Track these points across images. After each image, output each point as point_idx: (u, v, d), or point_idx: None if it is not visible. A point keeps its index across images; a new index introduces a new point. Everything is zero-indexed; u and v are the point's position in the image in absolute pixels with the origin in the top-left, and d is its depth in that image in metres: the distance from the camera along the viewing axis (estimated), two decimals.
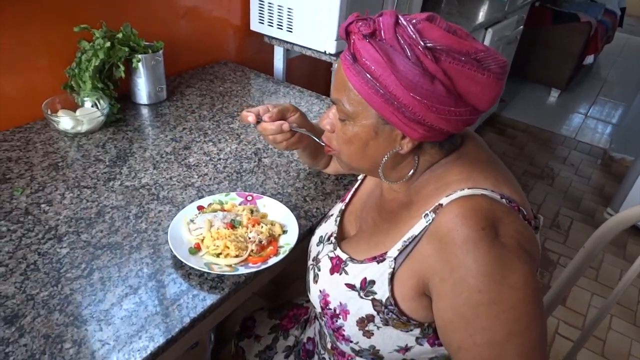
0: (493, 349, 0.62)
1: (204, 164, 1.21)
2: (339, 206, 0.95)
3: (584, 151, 3.55)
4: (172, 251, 0.89)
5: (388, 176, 0.76)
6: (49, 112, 1.26)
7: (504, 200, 0.67)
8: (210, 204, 1.02)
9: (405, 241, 0.71)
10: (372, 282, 0.74)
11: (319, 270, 0.84)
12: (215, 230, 0.93)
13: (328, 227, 0.92)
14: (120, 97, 1.40)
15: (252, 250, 0.91)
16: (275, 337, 1.09)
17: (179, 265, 0.90)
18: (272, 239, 0.95)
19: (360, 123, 0.70)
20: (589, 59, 4.36)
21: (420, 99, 0.63)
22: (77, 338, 0.75)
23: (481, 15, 2.56)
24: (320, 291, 0.82)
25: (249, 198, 1.05)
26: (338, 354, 0.88)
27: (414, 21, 0.64)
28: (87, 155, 1.20)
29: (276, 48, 1.92)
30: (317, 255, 0.88)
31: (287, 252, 0.91)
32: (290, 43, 1.82)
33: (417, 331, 0.73)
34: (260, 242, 0.92)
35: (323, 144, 0.84)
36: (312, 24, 1.70)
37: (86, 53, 1.29)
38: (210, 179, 1.16)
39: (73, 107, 1.32)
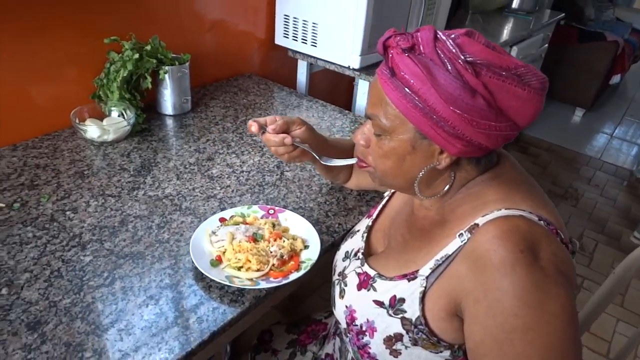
0: None
1: (226, 176, 1.21)
2: (366, 222, 0.94)
3: (610, 172, 3.47)
4: (193, 262, 0.89)
5: (423, 192, 0.75)
6: (77, 121, 1.28)
7: (542, 222, 0.66)
8: (232, 216, 1.02)
9: (438, 260, 0.70)
10: (402, 300, 0.73)
11: (346, 285, 0.83)
12: (237, 243, 0.92)
13: (354, 243, 0.91)
14: (146, 108, 1.42)
15: (273, 265, 0.90)
16: (293, 352, 1.07)
17: (199, 277, 0.90)
18: (294, 253, 0.94)
19: (397, 138, 0.69)
20: (616, 79, 4.29)
21: (461, 113, 0.62)
22: (97, 347, 0.75)
23: (506, 33, 2.54)
24: (346, 306, 0.81)
25: (271, 212, 1.04)
26: None
27: (452, 36, 0.64)
28: (113, 164, 1.21)
29: (300, 62, 1.93)
30: (344, 270, 0.87)
31: (308, 268, 0.90)
32: (314, 57, 1.83)
33: (446, 353, 0.71)
34: (281, 256, 0.91)
35: (318, 158, 0.89)
36: (336, 39, 1.71)
37: (115, 64, 1.31)
38: (232, 190, 1.16)
39: (100, 116, 1.34)
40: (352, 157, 1.08)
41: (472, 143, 0.65)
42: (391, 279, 0.76)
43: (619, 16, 4.74)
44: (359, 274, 0.82)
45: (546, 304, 0.60)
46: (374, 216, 0.93)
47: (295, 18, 1.78)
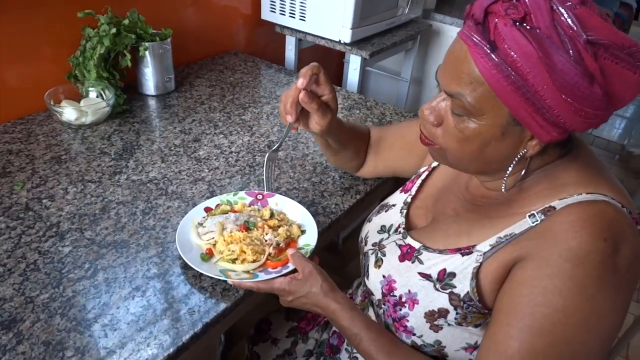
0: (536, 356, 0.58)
1: (214, 157, 1.14)
2: (402, 197, 0.88)
3: (601, 146, 3.45)
4: (182, 258, 0.81)
5: (495, 176, 0.70)
6: (52, 103, 1.19)
7: (625, 209, 0.61)
8: (218, 205, 0.93)
9: (500, 238, 0.65)
10: (452, 275, 0.68)
11: (384, 255, 0.79)
12: (229, 233, 0.84)
13: (391, 218, 0.86)
14: (127, 88, 1.33)
15: (270, 254, 0.82)
16: (294, 340, 1.02)
17: (189, 266, 0.83)
18: (291, 240, 0.87)
19: (485, 121, 0.61)
20: None
21: (572, 102, 0.54)
22: (79, 345, 0.69)
23: None
24: (384, 276, 0.77)
25: (259, 197, 0.96)
26: None
27: (568, 4, 0.54)
28: (92, 148, 1.13)
29: (288, 38, 1.84)
30: (380, 242, 0.83)
31: (308, 254, 0.83)
32: (303, 32, 1.74)
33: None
34: (277, 244, 0.84)
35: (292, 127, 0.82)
36: (326, 13, 1.63)
37: (91, 40, 1.22)
38: (221, 172, 1.09)
39: (77, 97, 1.25)
40: (366, 145, 1.03)
41: (567, 130, 0.58)
42: (441, 251, 0.71)
43: None
44: (400, 246, 0.78)
45: (598, 301, 0.57)
46: (413, 192, 0.87)
47: None
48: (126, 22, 1.24)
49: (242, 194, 0.96)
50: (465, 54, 0.58)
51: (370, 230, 0.88)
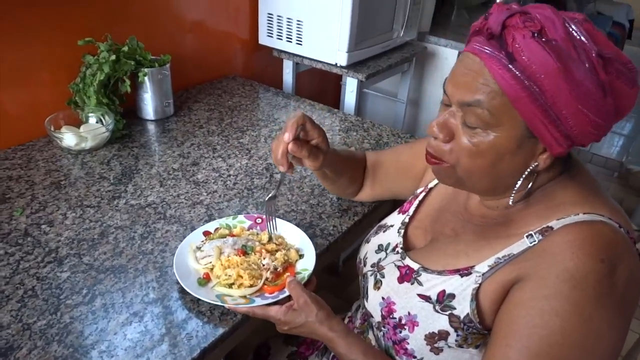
0: None
1: (212, 181, 1.15)
2: (399, 217, 0.89)
3: (600, 164, 3.46)
4: (179, 282, 0.80)
5: (504, 194, 0.69)
6: (52, 129, 1.21)
7: (622, 230, 0.62)
8: (217, 229, 0.93)
9: (499, 258, 0.66)
10: (452, 296, 0.68)
11: (383, 277, 0.79)
12: (226, 257, 0.84)
13: (389, 237, 0.86)
14: (126, 113, 1.35)
15: (267, 279, 0.82)
16: None
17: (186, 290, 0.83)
18: (289, 264, 0.86)
19: (500, 133, 0.61)
20: None
21: (587, 112, 0.56)
22: None
23: None
24: (383, 298, 0.76)
25: (259, 221, 0.96)
26: None
27: (576, 20, 0.56)
28: (91, 173, 1.14)
29: (285, 62, 1.87)
30: (378, 262, 0.83)
31: (305, 279, 0.83)
32: (300, 56, 1.77)
33: None
34: (275, 269, 0.83)
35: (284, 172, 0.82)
36: (322, 37, 1.66)
37: (91, 67, 1.24)
38: (219, 196, 1.09)
39: (77, 123, 1.27)
40: (362, 171, 1.03)
41: (577, 143, 0.60)
42: (440, 272, 0.71)
43: (599, 10, 4.76)
44: (399, 267, 0.78)
45: (596, 321, 0.57)
46: (411, 212, 0.88)
47: (279, 16, 1.73)
48: (125, 48, 1.27)
49: (241, 217, 0.96)
50: (480, 67, 0.59)
51: (369, 251, 0.88)
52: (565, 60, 0.55)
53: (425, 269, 0.74)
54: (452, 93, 0.64)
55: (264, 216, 0.94)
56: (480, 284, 0.66)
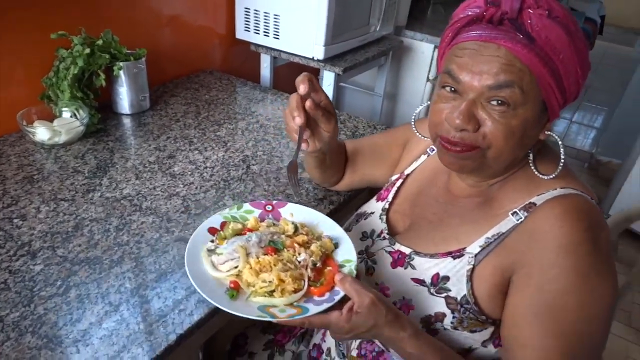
0: (564, 354, 0.62)
1: (189, 173, 1.15)
2: (379, 205, 0.90)
3: (571, 155, 3.55)
4: (208, 300, 0.66)
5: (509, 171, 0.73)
6: (25, 123, 1.19)
7: (593, 201, 0.67)
8: (224, 224, 0.79)
9: (489, 238, 0.69)
10: (446, 279, 0.71)
11: (375, 263, 0.80)
12: (255, 259, 0.70)
13: (371, 224, 0.87)
14: (101, 107, 1.34)
15: (309, 278, 0.70)
16: (271, 353, 1.02)
17: (164, 278, 0.84)
18: (326, 257, 0.75)
19: (526, 110, 0.64)
20: None
21: (583, 77, 0.64)
22: None
23: None
24: (376, 284, 0.78)
25: (269, 208, 0.83)
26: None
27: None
28: (65, 167, 1.13)
29: (263, 56, 1.87)
30: (367, 249, 0.84)
31: (355, 272, 0.71)
32: (278, 50, 1.78)
33: (490, 329, 0.70)
34: (314, 265, 0.71)
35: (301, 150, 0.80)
36: (299, 31, 1.67)
37: (64, 61, 1.23)
38: (196, 187, 1.10)
39: (50, 117, 1.25)
40: (345, 158, 1.03)
41: (564, 107, 0.66)
42: (432, 256, 0.73)
43: (572, 6, 4.87)
44: (390, 252, 0.79)
45: (599, 287, 0.62)
46: (390, 198, 0.90)
47: (256, 10, 1.73)
48: (100, 42, 1.26)
49: (247, 206, 0.84)
50: (502, 52, 0.62)
51: (353, 240, 0.89)
52: (571, 33, 0.61)
53: (418, 253, 0.76)
54: (472, 80, 0.64)
55: (274, 202, 0.86)
56: (474, 266, 0.69)
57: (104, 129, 1.31)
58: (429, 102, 0.76)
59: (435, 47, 2.17)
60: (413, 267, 0.75)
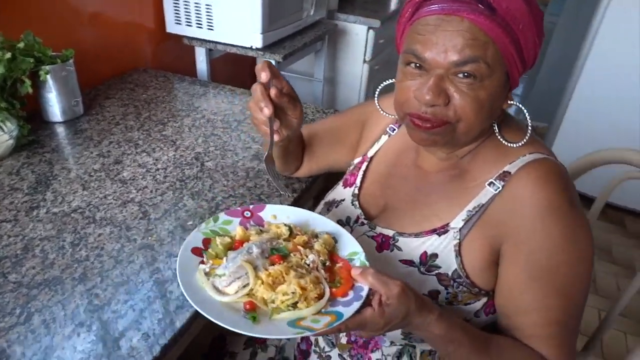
0: (565, 308, 0.66)
1: (140, 177, 1.09)
2: (348, 191, 0.89)
3: None
4: (227, 328, 0.59)
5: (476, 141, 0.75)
6: None
7: (558, 163, 0.70)
8: (206, 241, 0.72)
9: (470, 211, 0.71)
10: (435, 256, 0.71)
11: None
12: (266, 272, 0.64)
13: (345, 212, 0.86)
14: (29, 117, 1.23)
15: (325, 279, 0.66)
16: (253, 351, 1.00)
17: (135, 289, 0.79)
18: (331, 254, 0.71)
19: (493, 82, 0.65)
20: None
21: (539, 44, 0.66)
22: None
23: (393, 3, 2.60)
24: None
25: (247, 214, 0.77)
26: (359, 347, 0.82)
27: None
28: (0, 186, 1.03)
29: (197, 49, 1.80)
30: None
31: (367, 263, 0.68)
32: (213, 42, 1.72)
33: (483, 300, 0.72)
34: (324, 264, 0.68)
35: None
36: (234, 20, 1.62)
37: None
38: (151, 191, 1.04)
39: None
40: (304, 145, 1.01)
41: (522, 74, 0.68)
42: (417, 235, 0.74)
43: None
44: (373, 237, 0.78)
45: (580, 242, 0.66)
46: (358, 183, 0.89)
47: (185, 2, 1.66)
48: (21, 45, 1.15)
49: (223, 216, 0.77)
50: (466, 25, 0.62)
51: None
52: (529, 2, 0.63)
53: (401, 234, 0.76)
54: (438, 57, 0.64)
55: (250, 206, 0.79)
56: (460, 240, 0.70)
57: (37, 140, 1.21)
58: (392, 80, 0.76)
59: (369, 28, 2.20)
60: (399, 249, 0.75)
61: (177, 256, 0.84)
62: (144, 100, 1.46)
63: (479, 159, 0.74)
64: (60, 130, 1.28)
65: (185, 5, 1.66)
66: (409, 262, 0.73)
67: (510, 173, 0.70)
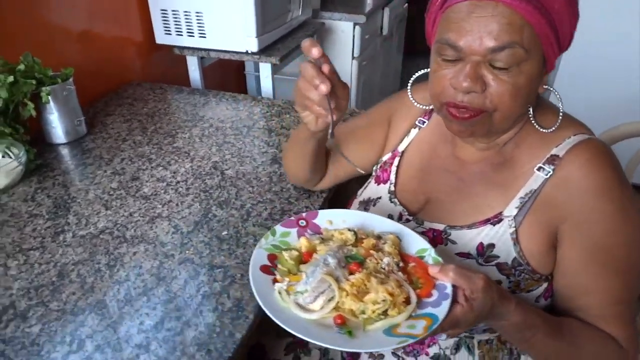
0: (628, 287, 0.67)
1: (162, 191, 1.06)
2: (383, 188, 0.87)
3: None
4: (342, 349, 0.60)
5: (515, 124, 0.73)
6: None
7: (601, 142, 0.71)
8: (273, 257, 0.69)
9: (523, 198, 0.70)
10: (491, 246, 0.71)
11: None
12: (348, 282, 0.61)
13: (384, 209, 0.84)
14: (32, 140, 1.18)
15: (405, 281, 0.64)
16: (295, 356, 0.98)
17: (185, 305, 0.77)
18: (401, 253, 0.70)
19: (531, 65, 0.64)
20: None
21: (574, 24, 0.65)
22: None
23: None
24: None
25: (302, 223, 0.75)
26: (414, 343, 0.81)
27: None
28: (18, 214, 0.99)
29: (189, 58, 1.77)
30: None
31: (440, 259, 0.67)
32: (205, 50, 1.69)
33: (542, 287, 0.72)
34: (398, 265, 0.66)
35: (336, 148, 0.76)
36: (227, 26, 1.60)
37: None
38: (176, 204, 1.02)
39: None
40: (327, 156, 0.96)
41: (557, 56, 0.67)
42: (469, 226, 0.73)
43: None
44: (423, 232, 0.77)
45: (635, 219, 0.67)
46: (393, 179, 0.87)
47: (174, 11, 1.63)
48: (22, 67, 1.11)
49: (280, 228, 0.73)
50: (499, 9, 0.61)
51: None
52: None
53: (452, 227, 0.75)
54: (473, 44, 0.63)
55: (303, 214, 0.77)
56: (516, 228, 0.70)
57: (44, 164, 1.17)
58: (427, 70, 0.76)
59: (355, 24, 2.20)
60: (453, 242, 0.74)
61: (220, 267, 0.84)
62: (146, 114, 1.43)
63: (524, 145, 0.74)
64: (66, 151, 1.24)
65: (175, 15, 1.63)
66: (466, 255, 0.73)
67: (559, 156, 0.70)
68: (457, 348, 0.79)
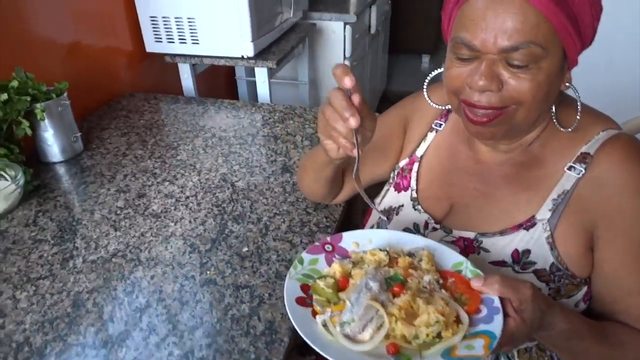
0: None
1: (173, 208, 1.02)
2: (404, 195, 0.84)
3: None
4: None
5: (540, 122, 0.71)
6: None
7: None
8: (306, 287, 0.64)
9: (555, 199, 0.68)
10: (527, 252, 0.68)
11: None
12: (395, 306, 0.57)
13: (409, 218, 0.81)
14: (26, 160, 1.12)
15: (450, 297, 0.60)
16: None
17: (213, 330, 0.73)
18: (438, 270, 0.66)
19: (550, 61, 0.61)
20: None
21: (597, 17, 0.62)
22: None
23: None
24: None
25: (328, 248, 0.70)
26: None
27: None
28: (21, 240, 0.93)
29: (181, 66, 1.72)
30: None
31: (478, 271, 0.64)
32: (198, 56, 1.64)
33: (582, 291, 0.70)
34: (438, 282, 0.63)
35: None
36: (221, 31, 1.55)
37: None
38: (189, 222, 0.97)
39: None
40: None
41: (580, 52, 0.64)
42: (502, 233, 0.70)
43: None
44: (454, 242, 0.74)
45: None
46: (414, 186, 0.84)
47: (165, 18, 1.57)
48: (15, 83, 1.04)
49: (307, 256, 0.69)
50: (516, 4, 0.59)
51: None
52: None
53: (483, 234, 0.72)
54: (488, 43, 0.61)
55: (328, 238, 0.72)
56: (552, 232, 0.67)
57: (43, 184, 1.11)
58: (440, 70, 0.73)
59: (346, 24, 2.17)
60: (486, 250, 0.72)
61: (245, 287, 0.80)
62: (144, 126, 1.37)
63: (552, 143, 0.71)
64: (63, 170, 1.18)
65: (165, 21, 1.58)
66: (501, 263, 0.70)
67: (589, 154, 0.68)
68: (497, 357, 0.77)
